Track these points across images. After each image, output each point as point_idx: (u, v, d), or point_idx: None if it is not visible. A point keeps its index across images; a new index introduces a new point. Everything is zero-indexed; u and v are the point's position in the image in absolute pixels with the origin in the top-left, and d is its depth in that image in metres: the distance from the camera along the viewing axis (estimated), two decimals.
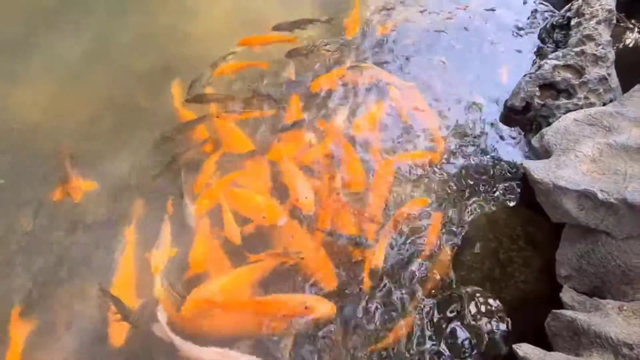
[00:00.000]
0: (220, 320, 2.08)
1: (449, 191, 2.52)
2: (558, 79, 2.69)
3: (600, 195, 1.87)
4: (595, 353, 1.65)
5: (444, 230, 2.36)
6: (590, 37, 2.76)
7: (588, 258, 1.97)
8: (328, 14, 3.48)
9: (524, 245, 2.32)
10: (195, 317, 2.07)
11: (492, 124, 2.86)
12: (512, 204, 2.48)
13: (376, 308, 2.11)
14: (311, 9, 3.52)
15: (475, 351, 1.98)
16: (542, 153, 2.29)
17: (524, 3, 3.68)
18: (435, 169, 2.61)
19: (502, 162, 2.66)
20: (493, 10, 3.63)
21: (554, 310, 1.87)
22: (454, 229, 2.38)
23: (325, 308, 2.04)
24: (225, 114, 2.82)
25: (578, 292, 1.97)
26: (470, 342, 2.01)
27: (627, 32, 3.20)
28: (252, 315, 2.06)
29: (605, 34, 2.76)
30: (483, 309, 2.10)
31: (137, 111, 2.93)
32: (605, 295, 1.91)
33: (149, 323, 2.04)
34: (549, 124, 2.49)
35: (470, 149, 2.72)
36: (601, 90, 2.62)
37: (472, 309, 2.10)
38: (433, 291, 2.15)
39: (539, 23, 3.47)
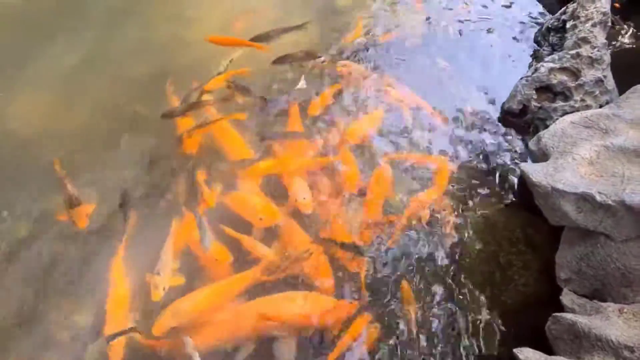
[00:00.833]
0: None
1: (447, 195, 2.52)
2: (554, 81, 2.70)
3: (598, 198, 1.87)
4: (596, 356, 1.65)
5: (443, 233, 2.37)
6: (585, 40, 2.77)
7: (587, 261, 1.97)
8: (328, 23, 3.49)
9: (524, 248, 2.32)
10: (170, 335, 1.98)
11: (489, 127, 2.87)
12: (510, 206, 2.48)
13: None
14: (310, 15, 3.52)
15: (476, 356, 1.97)
16: (540, 156, 2.29)
17: (509, 6, 3.71)
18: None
19: (500, 165, 2.66)
20: (488, 15, 3.66)
21: (554, 314, 1.87)
22: (453, 232, 2.38)
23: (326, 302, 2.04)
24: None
25: (578, 295, 1.96)
26: (471, 346, 2.00)
27: (623, 34, 3.22)
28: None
29: (600, 37, 2.78)
30: (484, 312, 2.10)
31: (135, 120, 2.92)
32: (606, 298, 1.91)
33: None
34: (546, 127, 2.49)
35: (468, 153, 2.73)
36: (597, 92, 2.63)
37: (473, 313, 2.10)
38: (433, 295, 2.15)
39: (535, 26, 3.50)
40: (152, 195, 2.54)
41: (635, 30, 3.23)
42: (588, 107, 2.59)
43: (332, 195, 2.49)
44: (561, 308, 1.96)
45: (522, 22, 3.57)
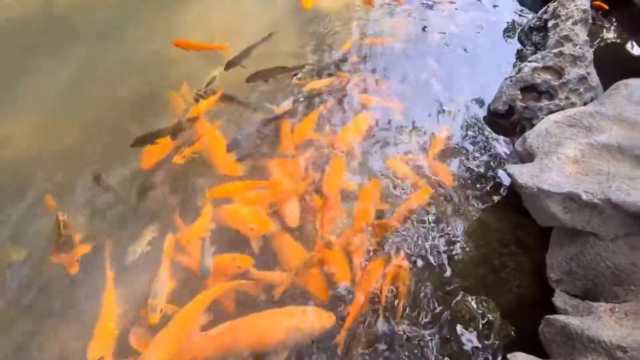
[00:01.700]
0: None
1: (437, 198, 2.52)
2: (538, 80, 2.70)
3: (584, 197, 1.87)
4: (589, 358, 1.63)
5: (435, 236, 2.36)
6: (567, 38, 2.78)
7: (578, 260, 1.96)
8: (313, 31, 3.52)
9: (516, 250, 2.31)
10: None
11: (476, 129, 2.87)
12: (500, 208, 2.48)
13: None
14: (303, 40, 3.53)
15: None
16: (526, 157, 2.29)
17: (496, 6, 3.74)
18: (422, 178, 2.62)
19: (488, 167, 2.66)
20: (475, 17, 3.68)
21: (546, 316, 1.86)
22: (444, 236, 2.37)
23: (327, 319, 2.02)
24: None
25: (570, 296, 1.95)
26: (465, 350, 1.99)
27: (604, 31, 3.24)
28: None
29: (582, 34, 2.79)
30: (478, 316, 2.08)
31: (125, 137, 2.91)
32: (598, 297, 1.90)
33: None
34: (532, 126, 2.50)
35: (456, 156, 2.73)
36: (582, 89, 2.64)
37: (467, 316, 2.09)
38: (426, 300, 2.15)
39: (518, 25, 3.51)
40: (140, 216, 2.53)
41: (617, 26, 3.24)
42: (573, 104, 2.60)
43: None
44: (555, 309, 1.95)
45: (507, 22, 3.59)
